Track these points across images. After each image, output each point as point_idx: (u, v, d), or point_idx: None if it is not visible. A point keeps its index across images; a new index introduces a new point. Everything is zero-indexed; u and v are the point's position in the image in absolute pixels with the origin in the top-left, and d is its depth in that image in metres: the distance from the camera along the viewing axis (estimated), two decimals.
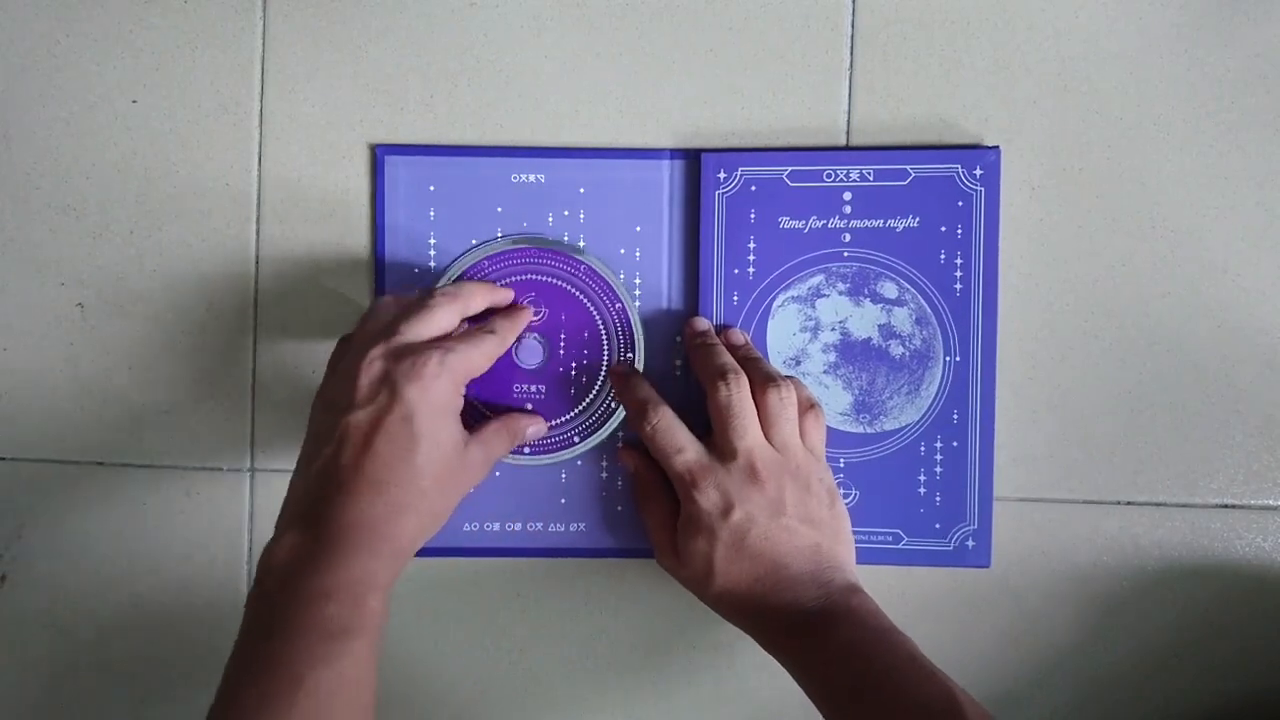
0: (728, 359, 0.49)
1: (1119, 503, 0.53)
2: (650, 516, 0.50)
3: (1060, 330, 0.53)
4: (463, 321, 0.48)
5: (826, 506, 0.48)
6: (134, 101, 0.54)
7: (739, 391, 0.47)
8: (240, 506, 0.54)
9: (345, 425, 0.43)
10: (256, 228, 0.54)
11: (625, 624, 0.54)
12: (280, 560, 0.41)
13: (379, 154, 0.53)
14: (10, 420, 0.54)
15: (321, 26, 0.53)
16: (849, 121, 0.53)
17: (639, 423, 0.49)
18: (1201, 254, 0.52)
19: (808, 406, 0.49)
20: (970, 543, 0.52)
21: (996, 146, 0.51)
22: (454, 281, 0.52)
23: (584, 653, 0.54)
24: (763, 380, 0.48)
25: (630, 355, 0.52)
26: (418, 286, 0.52)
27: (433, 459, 0.44)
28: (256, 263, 0.54)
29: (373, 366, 0.44)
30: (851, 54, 0.53)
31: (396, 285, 0.53)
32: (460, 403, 0.46)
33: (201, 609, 0.54)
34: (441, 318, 0.46)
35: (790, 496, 0.47)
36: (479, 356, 0.46)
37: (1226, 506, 0.53)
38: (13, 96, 0.54)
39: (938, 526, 0.52)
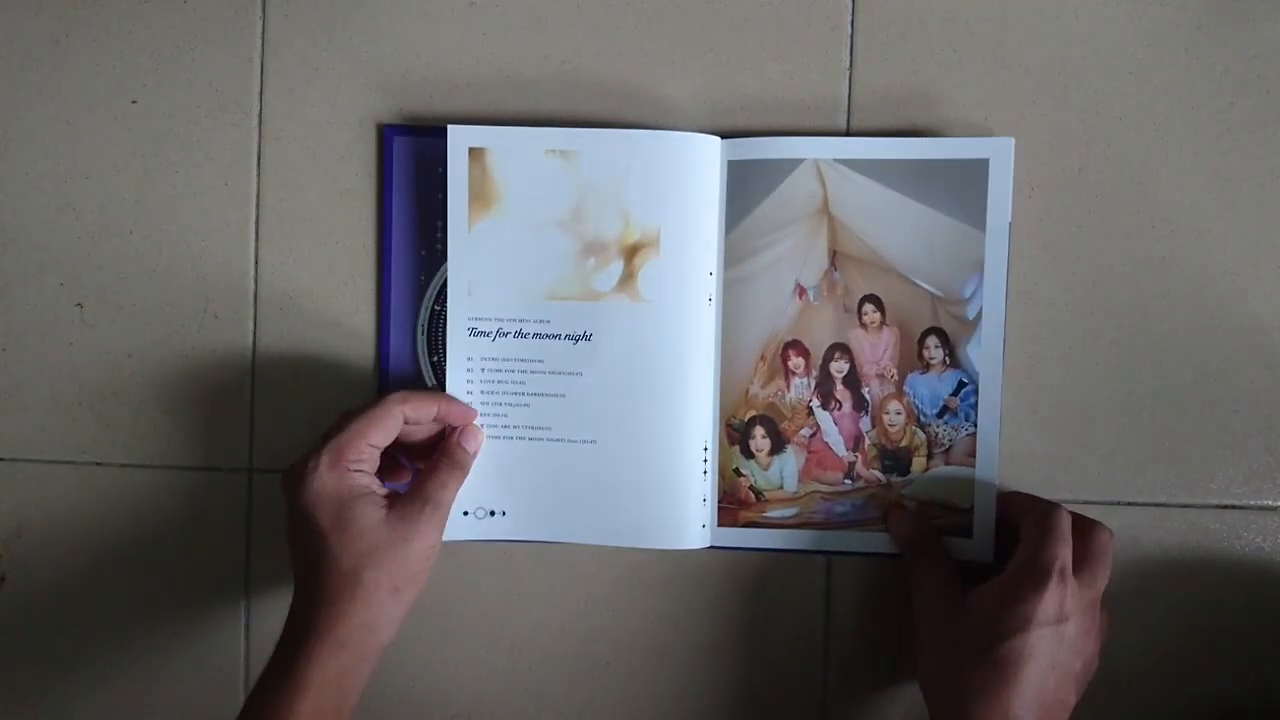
0: None
1: (1119, 503, 0.53)
2: (931, 571, 0.50)
3: (1060, 330, 0.52)
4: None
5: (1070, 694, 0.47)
6: (134, 102, 0.54)
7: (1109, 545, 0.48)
8: (240, 506, 0.54)
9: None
10: (256, 227, 0.54)
11: (626, 624, 0.54)
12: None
13: (387, 134, 0.53)
14: (10, 420, 0.54)
15: (321, 25, 0.53)
16: (849, 124, 0.53)
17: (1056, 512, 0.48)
18: (1201, 254, 0.52)
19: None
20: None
21: (1010, 137, 0.50)
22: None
23: (583, 653, 0.54)
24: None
25: None
26: None
27: (346, 549, 0.44)
28: (256, 262, 0.54)
29: None
30: (851, 54, 0.53)
31: (402, 273, 0.53)
32: (361, 480, 0.46)
33: (201, 609, 0.54)
34: (379, 415, 0.47)
35: (1091, 660, 0.48)
36: (367, 425, 0.46)
37: (1226, 507, 0.53)
38: (13, 96, 0.54)
39: None
